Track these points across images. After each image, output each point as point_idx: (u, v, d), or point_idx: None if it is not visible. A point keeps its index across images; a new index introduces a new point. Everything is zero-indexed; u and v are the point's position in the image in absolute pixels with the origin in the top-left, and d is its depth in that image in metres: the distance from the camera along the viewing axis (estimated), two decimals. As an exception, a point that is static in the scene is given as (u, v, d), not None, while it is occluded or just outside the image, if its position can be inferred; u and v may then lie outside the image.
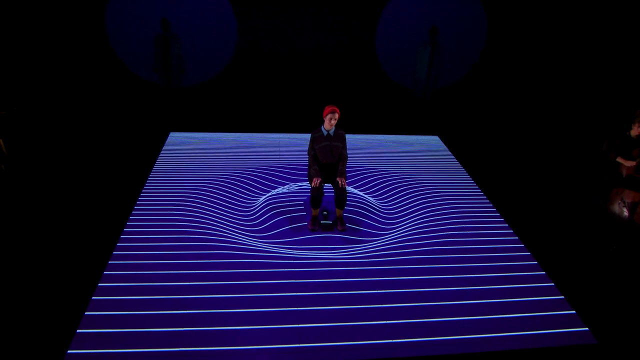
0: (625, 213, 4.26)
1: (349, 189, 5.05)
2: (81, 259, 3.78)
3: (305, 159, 5.83)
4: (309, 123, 7.09)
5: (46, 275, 3.58)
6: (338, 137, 4.27)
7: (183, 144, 6.20)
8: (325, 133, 4.23)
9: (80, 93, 7.90)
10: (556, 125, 7.58)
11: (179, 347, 2.93)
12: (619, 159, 4.39)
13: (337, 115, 4.12)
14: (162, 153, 5.88)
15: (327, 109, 4.14)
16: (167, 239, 4.04)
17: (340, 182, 4.15)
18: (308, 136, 6.63)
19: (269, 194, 5.05)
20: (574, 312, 3.39)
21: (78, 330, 3.01)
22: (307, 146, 6.42)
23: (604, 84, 8.37)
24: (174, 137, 6.45)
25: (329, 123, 4.15)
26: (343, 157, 4.33)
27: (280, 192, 5.10)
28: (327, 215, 4.61)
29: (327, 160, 4.31)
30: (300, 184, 5.28)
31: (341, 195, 4.21)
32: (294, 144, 6.41)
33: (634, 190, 4.27)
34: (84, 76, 8.07)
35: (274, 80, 8.58)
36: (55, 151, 5.83)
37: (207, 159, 5.79)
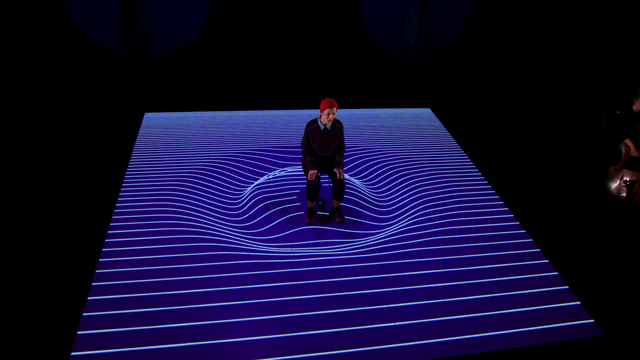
0: (624, 192, 4.23)
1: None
2: (69, 259, 3.57)
3: (296, 141, 5.52)
4: (295, 97, 6.70)
5: (35, 278, 3.37)
6: (336, 131, 3.99)
7: (160, 127, 5.75)
8: (322, 127, 3.94)
9: (39, 70, 7.13)
10: (554, 96, 7.38)
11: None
12: (628, 142, 4.29)
13: (335, 110, 3.81)
14: (138, 139, 5.44)
15: (325, 103, 3.81)
16: (154, 241, 3.77)
17: (338, 173, 3.92)
18: (296, 113, 6.33)
19: (258, 181, 4.78)
20: (579, 303, 3.38)
21: (78, 332, 2.93)
22: (295, 123, 6.14)
23: (606, 53, 8.16)
24: (150, 118, 5.97)
25: (327, 118, 3.85)
26: (341, 147, 4.07)
27: (270, 179, 4.83)
28: (322, 204, 4.41)
29: (324, 153, 4.06)
30: (290, 169, 5.01)
31: (339, 187, 3.99)
32: (280, 122, 6.05)
33: (634, 170, 4.22)
34: (41, 49, 7.26)
35: (254, 49, 7.99)
36: (14, 141, 5.28)
37: (188, 143, 5.40)
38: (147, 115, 6.04)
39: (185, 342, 2.93)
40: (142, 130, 5.64)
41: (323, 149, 4.03)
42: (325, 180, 4.57)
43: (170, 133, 5.61)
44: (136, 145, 5.28)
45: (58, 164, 4.85)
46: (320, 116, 3.92)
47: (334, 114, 3.84)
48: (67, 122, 5.74)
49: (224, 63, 7.79)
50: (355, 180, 4.88)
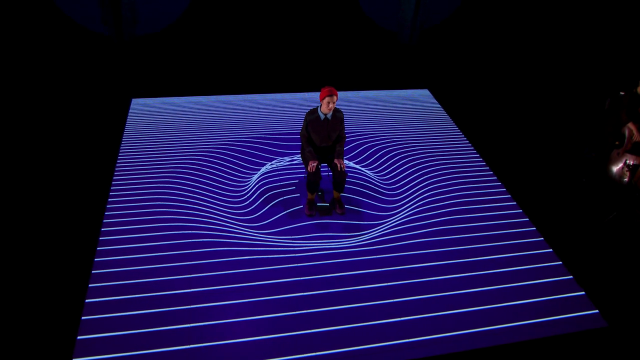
0: (626, 177, 4.20)
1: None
2: (62, 260, 3.44)
3: (292, 127, 5.35)
4: (289, 80, 6.47)
5: (27, 282, 3.25)
6: (336, 121, 3.83)
7: (149, 113, 5.52)
8: (322, 117, 3.78)
9: (16, 54, 6.73)
10: (556, 76, 7.21)
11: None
12: (631, 125, 4.21)
13: (335, 99, 3.65)
14: (127, 127, 5.21)
15: (324, 91, 3.65)
16: (151, 238, 3.66)
17: (339, 164, 3.80)
18: (290, 96, 6.11)
19: (259, 172, 4.64)
20: (583, 293, 3.38)
21: (78, 337, 2.85)
22: (291, 108, 5.94)
23: (612, 33, 7.95)
24: (137, 104, 5.71)
25: (327, 107, 3.69)
26: (341, 137, 3.94)
27: (269, 169, 4.70)
28: (322, 194, 4.31)
29: (324, 144, 3.92)
30: (287, 158, 4.87)
31: (340, 179, 3.88)
32: (274, 106, 5.85)
33: (637, 154, 4.18)
34: (16, 30, 6.84)
35: (245, 29, 7.63)
36: None
37: (179, 131, 5.21)
38: (134, 101, 5.78)
39: (190, 344, 2.87)
40: (130, 118, 5.41)
41: (323, 139, 3.89)
42: (325, 169, 4.45)
43: (160, 120, 5.39)
44: (125, 135, 5.07)
45: (42, 159, 4.61)
46: (320, 105, 3.76)
47: (334, 102, 3.68)
48: (48, 111, 5.45)
49: (214, 44, 7.45)
50: (356, 166, 4.77)
